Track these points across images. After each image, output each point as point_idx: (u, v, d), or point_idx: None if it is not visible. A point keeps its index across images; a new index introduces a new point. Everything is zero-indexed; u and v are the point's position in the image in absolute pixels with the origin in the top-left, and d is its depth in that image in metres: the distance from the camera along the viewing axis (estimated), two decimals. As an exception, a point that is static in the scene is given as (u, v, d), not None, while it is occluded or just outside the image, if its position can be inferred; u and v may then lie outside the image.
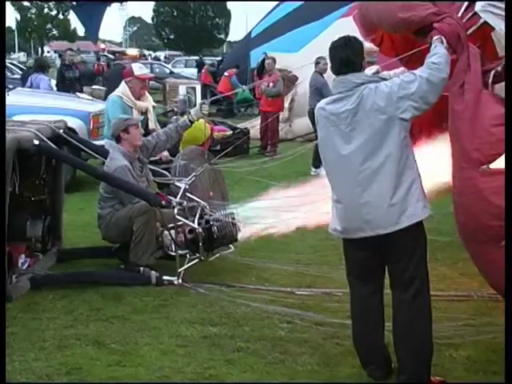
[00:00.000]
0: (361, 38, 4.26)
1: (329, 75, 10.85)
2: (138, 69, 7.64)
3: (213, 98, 10.58)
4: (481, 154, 3.78)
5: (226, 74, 20.79)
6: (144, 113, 7.67)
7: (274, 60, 15.17)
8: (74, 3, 17.50)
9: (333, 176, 4.04)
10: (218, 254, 6.36)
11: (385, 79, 3.97)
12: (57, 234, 6.75)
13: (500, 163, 3.79)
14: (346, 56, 3.92)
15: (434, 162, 4.62)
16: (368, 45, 4.26)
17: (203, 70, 25.27)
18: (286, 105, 15.65)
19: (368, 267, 4.03)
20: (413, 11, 4.14)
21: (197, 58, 37.97)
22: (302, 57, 15.40)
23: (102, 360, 4.48)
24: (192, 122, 6.79)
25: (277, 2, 23.08)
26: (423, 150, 4.61)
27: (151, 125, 7.68)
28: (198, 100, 15.42)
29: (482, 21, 3.95)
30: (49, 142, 6.10)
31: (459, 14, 4.04)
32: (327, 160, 4.05)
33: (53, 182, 6.69)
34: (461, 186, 3.92)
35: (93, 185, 8.17)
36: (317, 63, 11.66)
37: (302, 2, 20.21)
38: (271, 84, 14.24)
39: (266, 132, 14.20)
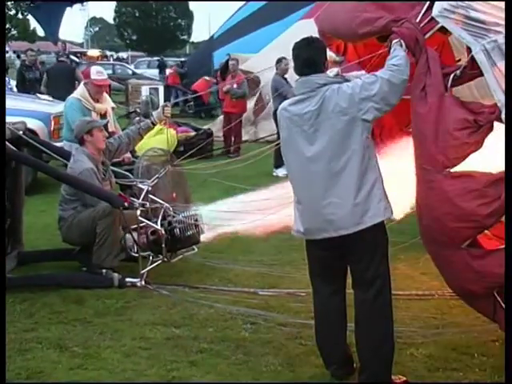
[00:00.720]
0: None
1: (291, 76, 10.95)
2: (96, 73, 7.56)
3: (177, 100, 10.56)
4: (446, 158, 3.82)
5: (206, 78, 20.67)
6: (103, 115, 7.62)
7: (237, 61, 15.22)
8: (31, 4, 17.21)
9: (295, 177, 4.06)
10: (180, 256, 6.35)
11: (347, 80, 4.00)
12: (17, 236, 6.67)
13: (462, 166, 3.84)
14: (309, 56, 3.95)
15: (395, 165, 4.67)
16: (331, 54, 4.30)
17: (171, 71, 25.10)
18: (251, 106, 15.67)
19: (330, 267, 4.06)
20: (371, 25, 4.19)
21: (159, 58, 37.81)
22: (263, 57, 15.46)
23: (63, 363, 4.44)
24: (154, 124, 6.82)
25: (242, 3, 23.15)
26: (383, 153, 4.65)
27: (111, 127, 7.62)
28: (161, 101, 15.37)
29: (438, 25, 4.01)
30: (8, 144, 6.03)
31: (417, 20, 4.09)
32: (290, 161, 4.07)
33: (12, 184, 6.61)
34: (424, 189, 3.96)
35: (54, 187, 8.09)
36: (278, 64, 11.64)
37: (264, 2, 20.31)
38: (235, 85, 14.26)
39: (229, 133, 14.21)
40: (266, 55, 15.40)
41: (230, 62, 15.36)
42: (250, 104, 15.61)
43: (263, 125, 15.46)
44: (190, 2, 71.28)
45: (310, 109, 3.91)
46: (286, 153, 4.08)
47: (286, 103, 4.08)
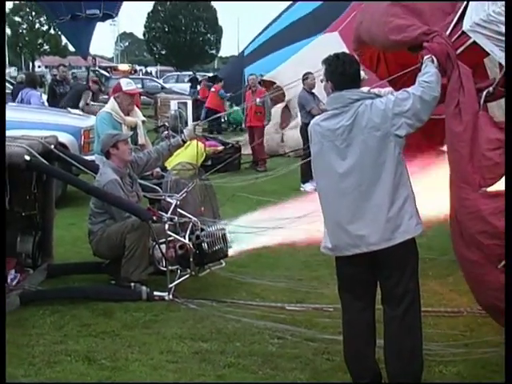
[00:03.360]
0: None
1: (318, 91, 10.95)
2: (126, 84, 7.62)
3: (208, 119, 10.55)
4: (481, 177, 3.81)
5: (212, 89, 20.86)
6: (133, 128, 7.67)
7: (256, 76, 15.28)
8: (58, 21, 17.39)
9: (325, 192, 4.04)
10: (208, 270, 6.36)
11: (379, 96, 4.00)
12: (47, 249, 6.73)
13: (498, 186, 3.82)
14: (342, 72, 3.95)
15: (422, 182, 4.64)
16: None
17: (201, 85, 25.25)
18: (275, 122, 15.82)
19: (360, 282, 4.03)
20: (404, 33, 4.19)
21: (189, 73, 38.04)
22: (286, 69, 15.56)
23: (92, 376, 4.46)
24: (184, 142, 6.79)
25: (271, 20, 23.29)
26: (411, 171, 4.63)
27: (141, 140, 7.66)
28: (190, 115, 15.44)
29: (470, 40, 3.98)
30: (40, 158, 6.09)
31: (447, 32, 4.06)
32: (320, 176, 4.07)
33: (43, 197, 6.67)
34: (459, 206, 3.94)
35: (83, 200, 8.15)
36: (304, 79, 11.63)
37: (295, 18, 20.45)
38: (258, 100, 14.31)
39: (255, 147, 14.30)
40: (289, 67, 15.51)
41: (249, 77, 15.44)
42: (273, 121, 15.69)
43: (289, 136, 15.55)
44: (220, 17, 71.69)
45: (342, 124, 3.91)
46: (317, 167, 4.08)
47: (318, 118, 4.09)
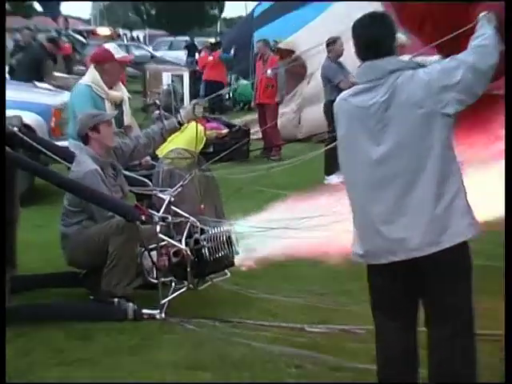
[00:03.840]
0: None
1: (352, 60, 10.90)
2: (115, 50, 7.59)
3: (211, 96, 10.55)
4: None
5: (210, 57, 20.85)
6: (118, 105, 7.69)
7: (265, 42, 15.23)
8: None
9: (355, 185, 4.06)
10: (210, 282, 6.40)
11: (423, 66, 3.99)
12: (9, 257, 6.75)
13: None
14: (374, 36, 3.96)
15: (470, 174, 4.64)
16: (399, 35, 4.27)
17: (202, 54, 25.27)
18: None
19: (398, 299, 4.05)
20: None
21: (185, 38, 38.05)
22: (309, 34, 15.52)
23: (65, 414, 4.51)
24: (181, 125, 6.81)
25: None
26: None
27: (126, 119, 7.69)
28: (186, 91, 15.48)
29: None
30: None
31: None
32: (349, 165, 4.08)
33: (4, 192, 6.68)
34: None
35: (55, 196, 8.18)
36: (330, 46, 11.56)
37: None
38: (268, 71, 14.30)
39: (267, 130, 14.34)
40: (312, 31, 15.48)
41: (257, 44, 15.46)
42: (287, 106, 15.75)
43: (309, 116, 15.57)
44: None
45: (376, 100, 3.92)
46: (345, 155, 4.10)
47: (346, 93, 4.10)
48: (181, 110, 6.87)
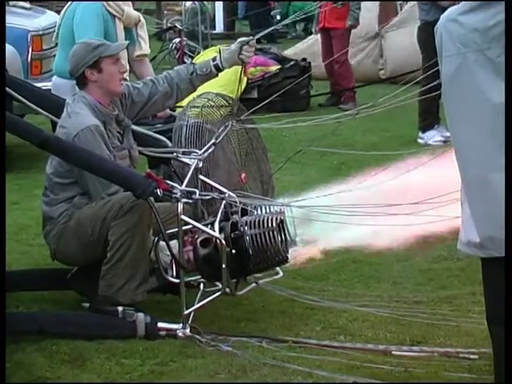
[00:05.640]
0: None
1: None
2: None
3: (273, 28, 10.42)
4: None
5: None
6: (128, 30, 7.73)
7: None
8: None
9: (470, 144, 4.05)
10: (254, 285, 6.41)
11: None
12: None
13: None
14: None
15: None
16: None
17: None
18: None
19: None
20: None
21: None
22: None
23: None
24: (220, 70, 6.80)
25: None
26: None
27: (145, 47, 7.72)
28: (220, 9, 15.43)
29: None
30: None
31: None
32: (459, 114, 4.08)
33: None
34: None
35: (34, 161, 8.22)
36: None
37: None
38: None
39: (333, 67, 14.31)
40: None
41: None
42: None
43: (394, 45, 15.55)
44: None
45: (499, 19, 3.91)
46: (453, 100, 4.08)
47: (453, 11, 4.08)
48: (222, 51, 6.81)
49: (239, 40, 6.92)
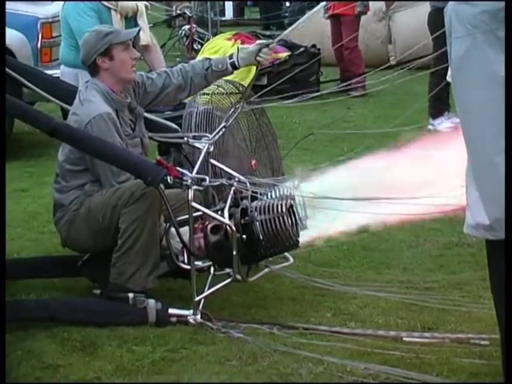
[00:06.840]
0: None
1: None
2: None
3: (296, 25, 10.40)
4: None
5: None
6: (128, 19, 7.71)
7: None
8: None
9: (481, 127, 4.04)
10: (266, 270, 6.41)
11: None
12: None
13: None
14: None
15: None
16: None
17: None
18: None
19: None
20: None
21: None
22: None
23: None
24: (236, 68, 6.76)
25: None
26: None
27: (144, 37, 7.68)
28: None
29: None
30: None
31: None
32: (469, 97, 4.07)
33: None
34: None
35: (44, 149, 8.21)
36: None
37: None
38: None
39: (343, 53, 14.30)
40: None
41: None
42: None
43: (402, 28, 15.51)
44: None
45: (510, -1, 3.92)
46: (463, 83, 4.07)
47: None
48: (239, 50, 6.79)
49: (258, 42, 6.92)
